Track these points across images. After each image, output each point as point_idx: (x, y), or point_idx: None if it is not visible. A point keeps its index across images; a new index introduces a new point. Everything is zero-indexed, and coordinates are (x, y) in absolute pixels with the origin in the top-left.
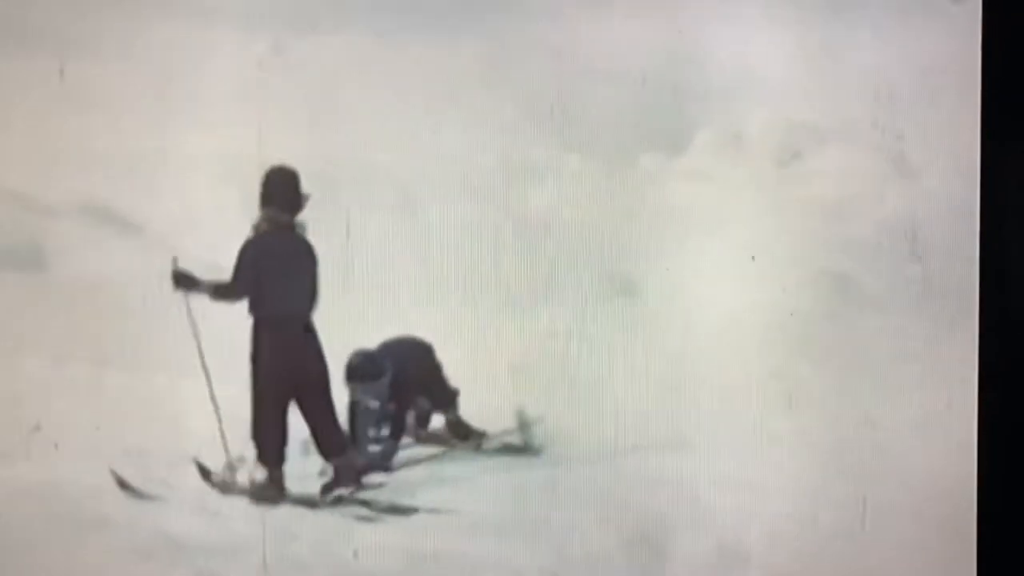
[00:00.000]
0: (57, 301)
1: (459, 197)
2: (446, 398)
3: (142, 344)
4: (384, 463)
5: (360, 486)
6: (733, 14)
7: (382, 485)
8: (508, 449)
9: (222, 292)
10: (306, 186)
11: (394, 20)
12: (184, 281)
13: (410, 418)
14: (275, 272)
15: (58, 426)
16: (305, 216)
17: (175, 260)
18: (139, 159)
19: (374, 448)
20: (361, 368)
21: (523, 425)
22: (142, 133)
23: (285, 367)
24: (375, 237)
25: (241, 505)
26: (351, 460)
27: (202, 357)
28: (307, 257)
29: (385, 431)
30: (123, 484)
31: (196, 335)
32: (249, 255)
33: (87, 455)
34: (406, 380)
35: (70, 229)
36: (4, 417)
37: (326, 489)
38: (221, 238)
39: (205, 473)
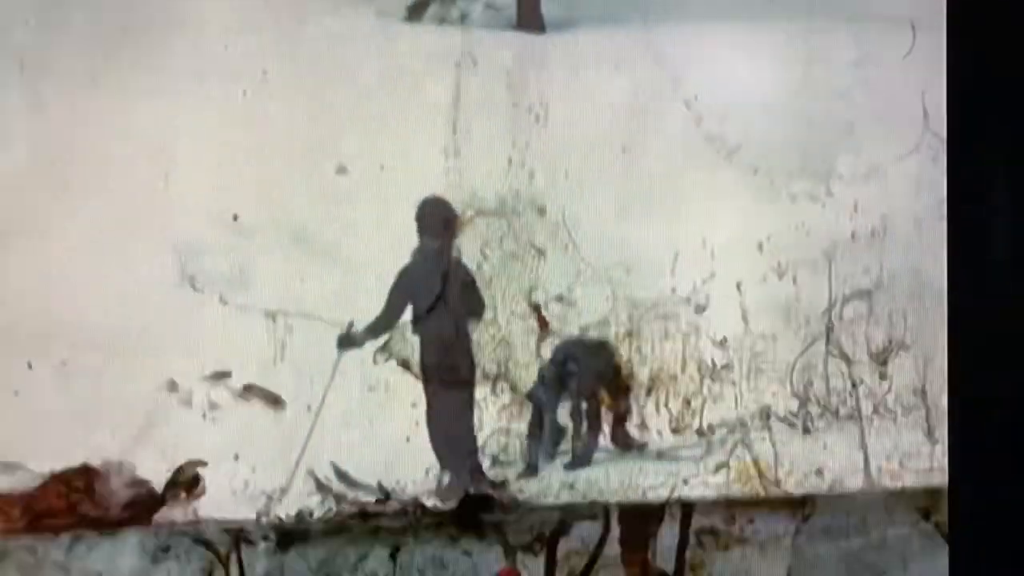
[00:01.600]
0: (258, 322)
1: (616, 218)
2: (620, 395)
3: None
4: (588, 456)
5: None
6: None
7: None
8: (666, 455)
9: (376, 328)
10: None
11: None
12: (345, 343)
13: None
14: (429, 296)
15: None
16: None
17: (351, 324)
18: (334, 189)
19: (577, 445)
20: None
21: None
22: (329, 163)
23: (442, 378)
24: (551, 252)
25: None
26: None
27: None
28: (462, 278)
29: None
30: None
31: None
32: (397, 286)
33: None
34: (586, 376)
35: (271, 253)
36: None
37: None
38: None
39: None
